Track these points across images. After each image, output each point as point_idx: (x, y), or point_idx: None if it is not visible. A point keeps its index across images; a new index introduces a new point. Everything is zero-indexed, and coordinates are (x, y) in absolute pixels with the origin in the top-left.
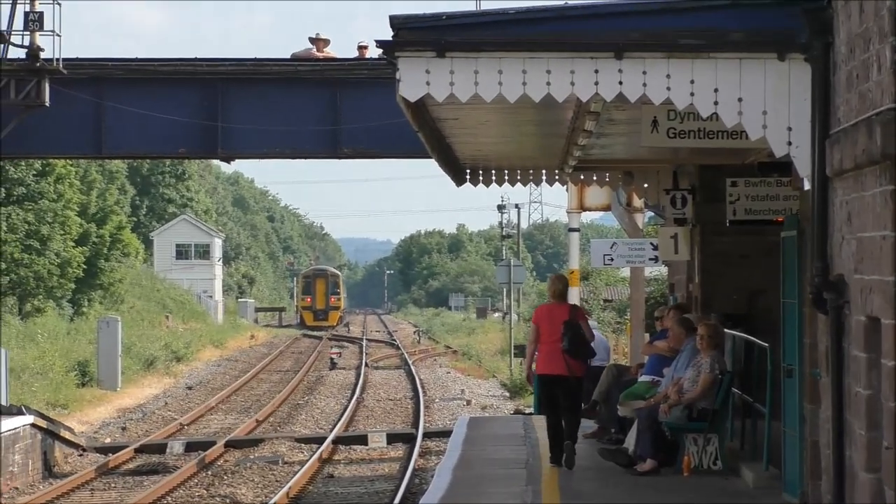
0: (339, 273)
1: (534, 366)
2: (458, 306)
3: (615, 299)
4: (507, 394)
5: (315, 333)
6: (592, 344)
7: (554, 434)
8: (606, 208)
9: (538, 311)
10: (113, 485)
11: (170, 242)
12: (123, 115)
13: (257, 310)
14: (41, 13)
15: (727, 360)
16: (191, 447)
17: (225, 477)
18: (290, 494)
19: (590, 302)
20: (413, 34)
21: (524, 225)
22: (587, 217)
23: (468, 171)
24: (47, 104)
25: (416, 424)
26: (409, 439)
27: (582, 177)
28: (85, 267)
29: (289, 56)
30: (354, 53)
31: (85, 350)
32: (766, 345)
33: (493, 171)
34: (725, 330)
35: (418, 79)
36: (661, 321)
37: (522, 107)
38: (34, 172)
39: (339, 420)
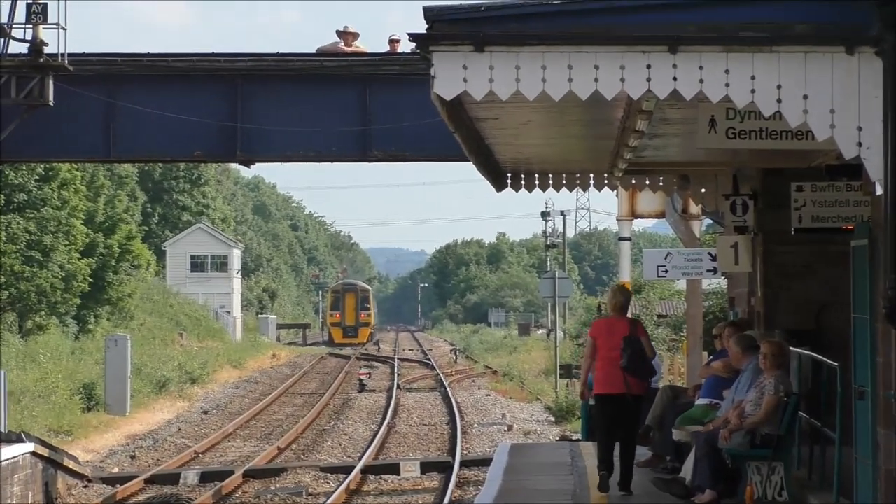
0: (370, 287)
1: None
2: (499, 322)
3: (670, 314)
4: (552, 418)
5: (343, 352)
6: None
7: (605, 458)
8: (660, 215)
9: (596, 324)
10: None
11: (184, 253)
12: (134, 115)
13: (279, 326)
14: (45, 5)
15: (793, 380)
16: (206, 477)
17: None
18: None
19: (642, 317)
20: (449, 27)
21: (570, 233)
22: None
23: (509, 175)
24: (51, 103)
25: (452, 452)
26: (444, 468)
27: (633, 181)
28: (91, 280)
29: (314, 51)
30: (385, 48)
31: (91, 371)
32: (836, 364)
33: (537, 175)
34: (791, 348)
35: (455, 75)
36: (721, 339)
37: (568, 105)
38: (36, 177)
39: (369, 447)
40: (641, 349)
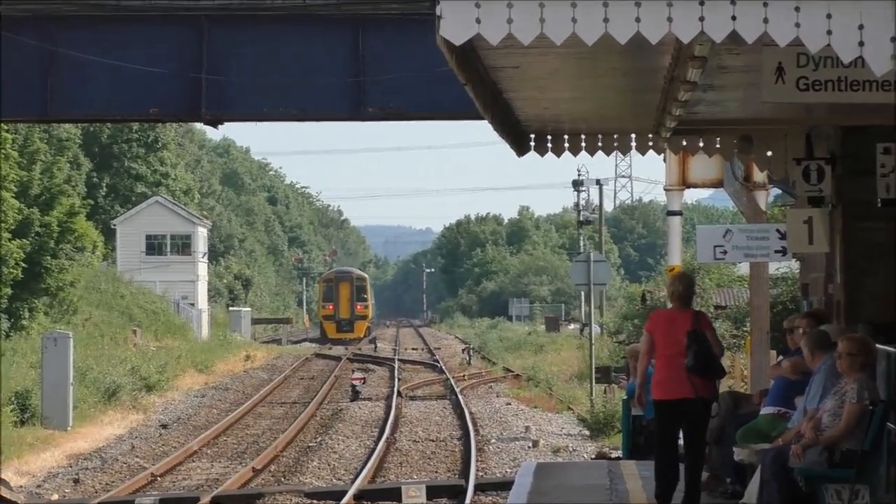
0: (366, 276)
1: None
2: (522, 316)
3: (730, 305)
4: (587, 432)
5: (332, 352)
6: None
7: (664, 478)
8: (717, 184)
9: (654, 316)
10: None
11: (138, 233)
12: (77, 64)
13: (255, 321)
14: None
15: (880, 385)
16: None
17: None
18: None
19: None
20: None
21: (608, 207)
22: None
23: (533, 136)
24: None
25: (465, 473)
26: (456, 493)
27: (684, 143)
28: (25, 266)
29: None
30: None
31: (25, 377)
32: None
33: (566, 137)
34: (877, 346)
35: (466, 15)
36: (792, 334)
37: (604, 51)
38: None
39: (364, 468)
40: (708, 346)
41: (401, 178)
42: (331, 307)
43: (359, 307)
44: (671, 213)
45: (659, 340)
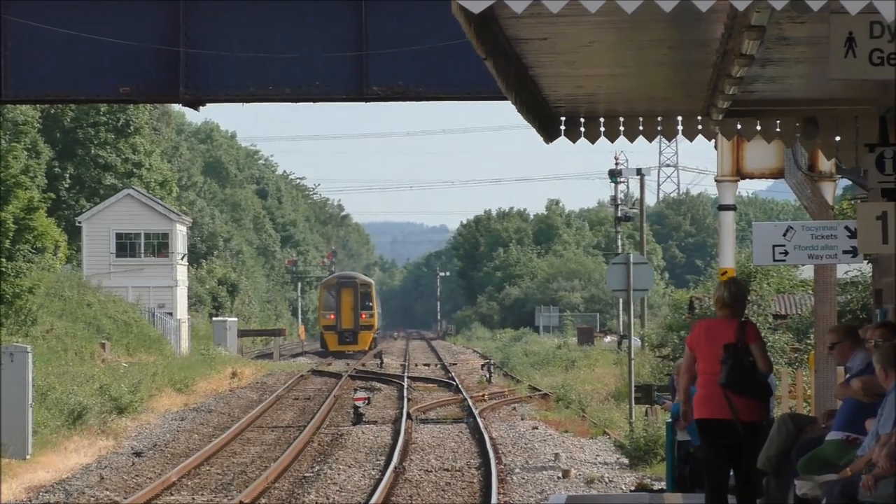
0: (372, 282)
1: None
2: (550, 326)
3: (791, 314)
4: (625, 460)
5: (331, 368)
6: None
7: None
8: (777, 174)
9: (696, 328)
10: None
11: (107, 231)
12: (35, 37)
13: (242, 333)
14: None
15: None
16: None
17: None
18: None
19: (751, 318)
20: None
21: (651, 201)
22: (747, 188)
23: (563, 119)
24: None
25: None
26: None
27: (739, 126)
28: None
29: None
30: None
31: None
32: None
33: (602, 120)
34: None
35: None
36: (833, 349)
37: (647, 20)
38: None
39: (368, 502)
40: (747, 360)
41: (410, 167)
42: (332, 316)
43: (363, 316)
44: (723, 208)
45: (699, 355)
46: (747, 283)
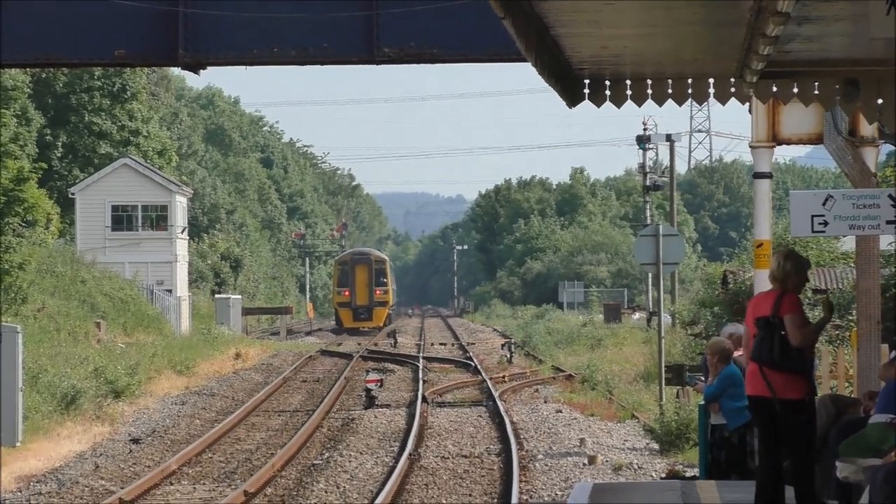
0: (386, 258)
1: None
2: (575, 303)
3: (832, 289)
4: (656, 445)
5: (341, 348)
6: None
7: (765, 497)
8: (815, 140)
9: (749, 302)
10: None
11: (102, 203)
12: None
13: (246, 312)
14: None
15: None
16: None
17: None
18: None
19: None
20: None
21: (682, 169)
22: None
23: (587, 82)
24: None
25: (506, 496)
26: None
27: (775, 89)
28: None
29: None
30: None
31: None
32: None
33: (629, 82)
34: None
35: None
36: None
37: None
38: None
39: (381, 491)
40: (782, 334)
41: (425, 135)
42: (346, 293)
43: (378, 293)
44: (758, 176)
45: (750, 330)
46: (803, 257)
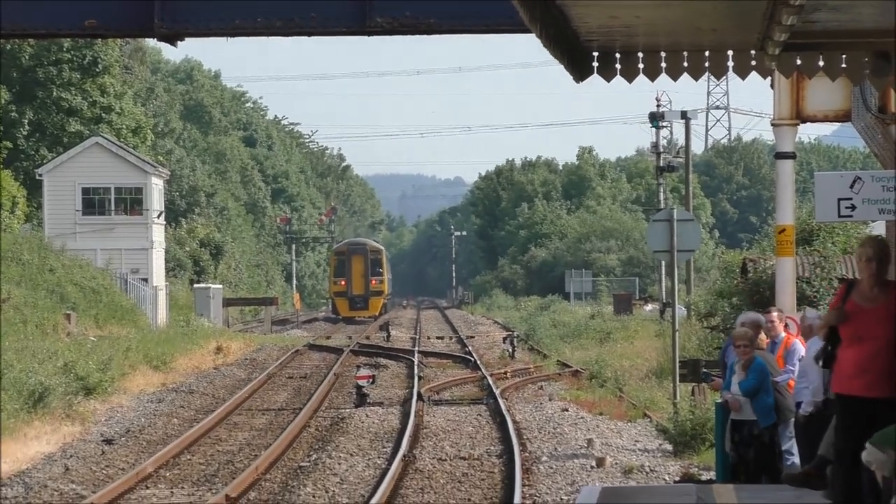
0: (382, 248)
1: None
2: (582, 293)
3: (860, 277)
4: (669, 446)
5: (330, 342)
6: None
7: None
8: (843, 117)
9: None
10: None
11: (72, 185)
12: None
13: (228, 302)
14: None
15: None
16: None
17: None
18: None
19: (813, 282)
20: None
21: (698, 148)
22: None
23: (596, 55)
24: None
25: (508, 501)
26: None
27: (799, 62)
28: None
29: None
30: None
31: None
32: None
33: (641, 55)
34: None
35: None
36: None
37: None
38: None
39: (373, 495)
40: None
41: (421, 112)
42: (343, 283)
43: (373, 282)
44: (781, 156)
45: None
46: (886, 243)
